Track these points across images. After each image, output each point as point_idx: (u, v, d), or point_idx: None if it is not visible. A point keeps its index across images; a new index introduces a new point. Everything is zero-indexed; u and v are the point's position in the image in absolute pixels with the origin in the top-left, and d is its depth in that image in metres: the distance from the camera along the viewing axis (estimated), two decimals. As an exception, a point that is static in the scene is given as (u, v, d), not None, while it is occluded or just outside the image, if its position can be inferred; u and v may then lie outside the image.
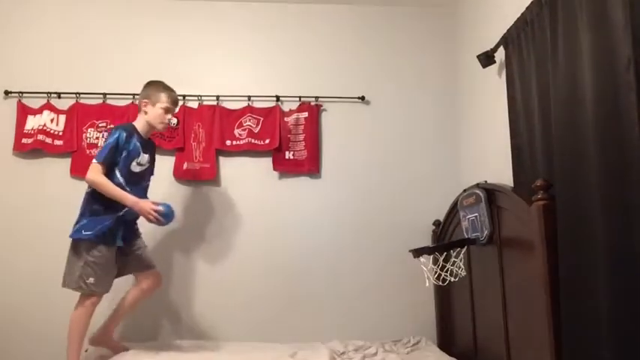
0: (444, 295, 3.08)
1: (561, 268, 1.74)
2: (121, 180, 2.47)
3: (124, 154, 2.48)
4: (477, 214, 2.45)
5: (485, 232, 2.37)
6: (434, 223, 3.22)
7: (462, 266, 2.50)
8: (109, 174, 2.45)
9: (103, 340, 2.59)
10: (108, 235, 2.43)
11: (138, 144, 2.55)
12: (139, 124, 2.62)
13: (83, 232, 2.40)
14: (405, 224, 3.28)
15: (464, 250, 2.55)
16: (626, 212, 1.48)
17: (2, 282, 3.06)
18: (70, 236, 2.44)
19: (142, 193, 2.61)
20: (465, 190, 2.63)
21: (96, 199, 2.45)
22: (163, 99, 2.62)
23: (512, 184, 2.37)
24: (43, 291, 3.05)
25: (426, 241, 3.13)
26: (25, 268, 3.08)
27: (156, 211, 2.43)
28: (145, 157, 2.60)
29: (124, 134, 2.48)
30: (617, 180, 1.52)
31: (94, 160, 2.44)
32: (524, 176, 2.27)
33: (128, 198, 2.42)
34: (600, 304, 1.56)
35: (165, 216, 2.47)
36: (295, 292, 3.20)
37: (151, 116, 2.61)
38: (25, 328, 3.02)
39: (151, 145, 2.75)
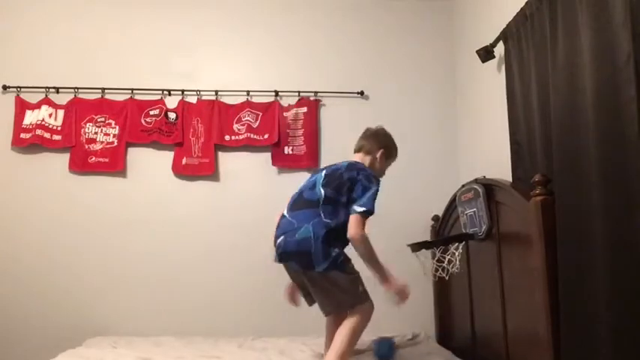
0: (442, 290, 3.09)
1: (560, 263, 1.74)
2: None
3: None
4: (475, 210, 2.45)
5: (484, 227, 2.37)
6: (433, 219, 3.22)
7: (458, 263, 2.50)
8: (340, 213, 2.18)
9: None
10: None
11: None
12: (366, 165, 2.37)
13: (339, 261, 2.15)
14: (404, 219, 3.27)
15: (462, 244, 2.55)
16: (626, 207, 1.48)
17: (1, 278, 3.06)
18: (325, 270, 2.12)
19: None
20: (463, 186, 2.63)
21: (334, 240, 2.15)
22: (394, 159, 2.52)
23: (510, 180, 2.37)
24: (42, 286, 3.06)
25: (425, 237, 3.12)
26: (24, 263, 3.08)
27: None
28: None
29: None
30: (617, 175, 1.52)
31: (360, 209, 2.12)
32: (523, 171, 2.27)
33: (386, 271, 2.20)
34: (599, 299, 1.57)
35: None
36: (294, 287, 3.20)
37: (380, 166, 2.42)
38: (23, 325, 3.02)
39: None
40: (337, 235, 2.16)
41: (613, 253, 1.52)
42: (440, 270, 2.55)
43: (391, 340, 2.53)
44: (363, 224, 2.15)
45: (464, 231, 2.58)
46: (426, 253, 2.67)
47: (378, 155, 2.41)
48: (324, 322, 3.09)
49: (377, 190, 2.21)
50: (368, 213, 2.15)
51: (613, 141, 1.54)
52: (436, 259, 2.59)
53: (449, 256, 2.51)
